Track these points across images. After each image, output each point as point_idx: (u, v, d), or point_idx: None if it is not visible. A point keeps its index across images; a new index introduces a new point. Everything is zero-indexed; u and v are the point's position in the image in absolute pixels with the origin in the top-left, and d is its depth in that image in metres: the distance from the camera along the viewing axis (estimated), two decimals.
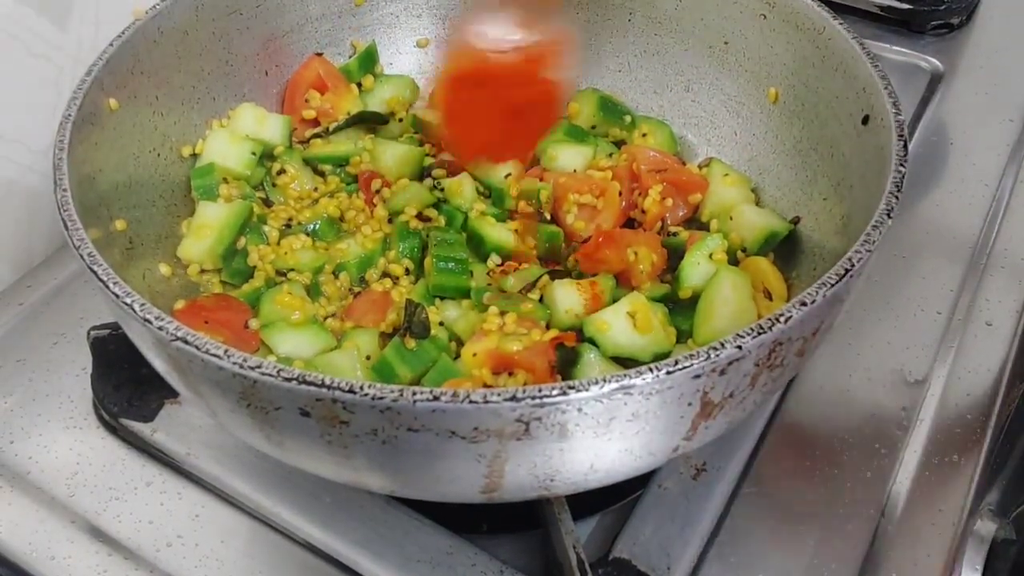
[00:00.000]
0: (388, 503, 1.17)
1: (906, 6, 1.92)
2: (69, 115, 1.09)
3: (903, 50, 1.87)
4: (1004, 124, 1.70)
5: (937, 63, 1.85)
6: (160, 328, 0.85)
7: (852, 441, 1.25)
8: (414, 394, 0.77)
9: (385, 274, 1.32)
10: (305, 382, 0.79)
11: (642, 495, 1.19)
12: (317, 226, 1.35)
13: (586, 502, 1.16)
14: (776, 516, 1.18)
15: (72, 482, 1.22)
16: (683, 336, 1.22)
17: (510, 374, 1.12)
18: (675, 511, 1.17)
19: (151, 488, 1.21)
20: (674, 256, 1.30)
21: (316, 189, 1.41)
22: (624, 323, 1.16)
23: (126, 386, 1.27)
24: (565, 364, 1.13)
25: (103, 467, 1.23)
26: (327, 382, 0.79)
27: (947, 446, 1.24)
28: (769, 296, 1.21)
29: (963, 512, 1.18)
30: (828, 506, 1.18)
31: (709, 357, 0.81)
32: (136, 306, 0.87)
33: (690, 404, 0.85)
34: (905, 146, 1.03)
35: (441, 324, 1.23)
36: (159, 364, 0.95)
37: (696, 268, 1.24)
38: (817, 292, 0.87)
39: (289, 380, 0.79)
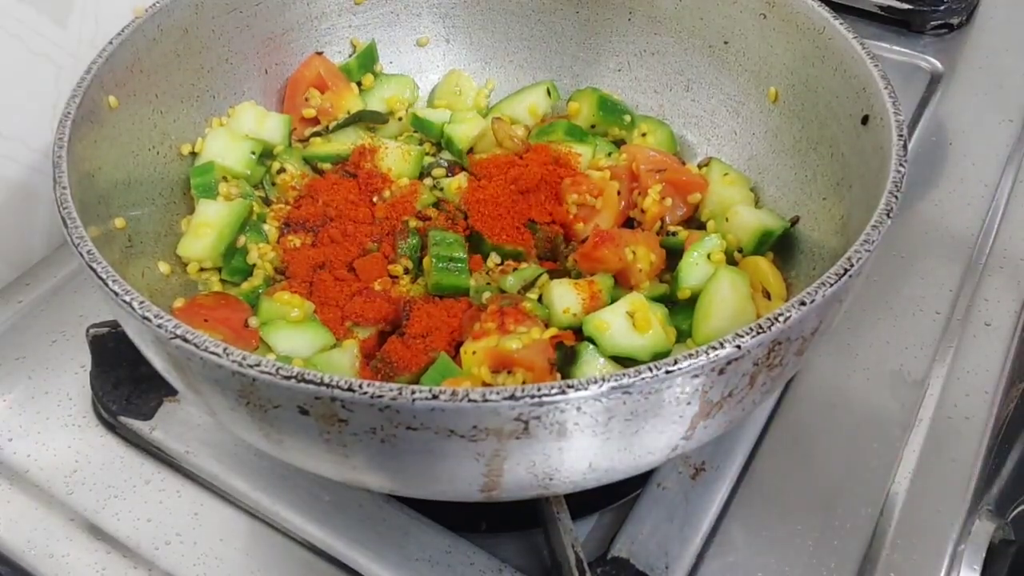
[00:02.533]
0: (387, 502, 1.17)
1: (906, 6, 1.92)
2: (69, 113, 1.09)
3: (903, 50, 1.88)
4: (1003, 124, 1.71)
5: (937, 63, 1.85)
6: (159, 326, 0.85)
7: (851, 441, 1.25)
8: (413, 393, 0.77)
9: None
10: (304, 380, 0.79)
11: (641, 494, 1.19)
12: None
13: (585, 501, 1.16)
14: (775, 516, 1.18)
15: (71, 480, 1.22)
16: (683, 336, 1.22)
17: (509, 372, 1.12)
18: (674, 510, 1.17)
19: (150, 486, 1.22)
20: (673, 256, 1.30)
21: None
22: (623, 322, 1.16)
23: (125, 384, 1.27)
24: (565, 362, 1.13)
25: (102, 465, 1.24)
26: (326, 380, 0.79)
27: (946, 446, 1.24)
28: (768, 296, 1.21)
29: (962, 512, 1.18)
30: (827, 506, 1.18)
31: (708, 357, 0.81)
32: (135, 304, 0.87)
33: (689, 403, 0.85)
34: (905, 146, 1.03)
35: None
36: (158, 362, 0.95)
37: (694, 268, 1.24)
38: (816, 292, 0.87)
39: (288, 378, 0.79)
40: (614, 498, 1.20)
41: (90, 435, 1.27)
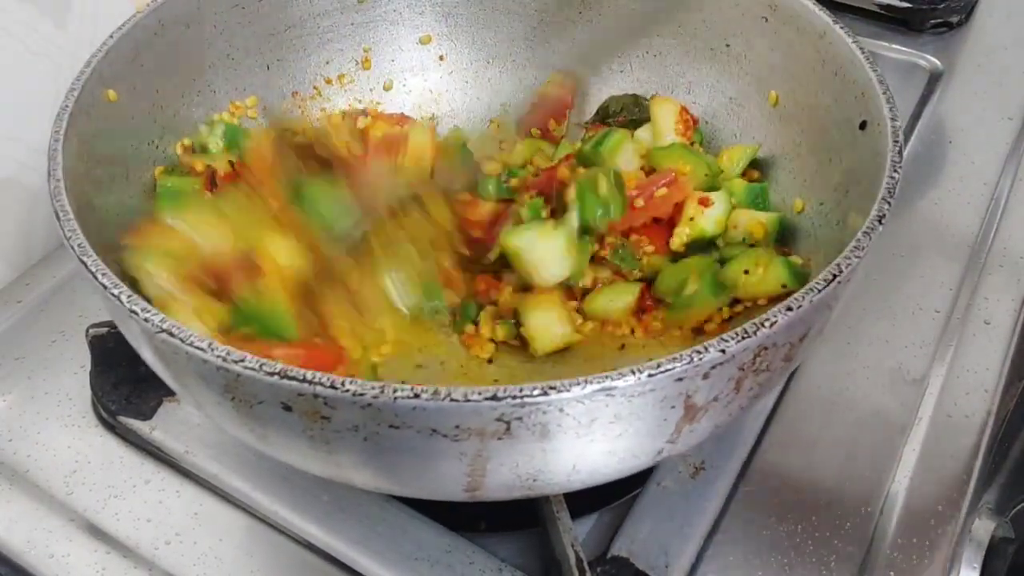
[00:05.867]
0: (386, 501, 1.18)
1: (905, 4, 1.92)
2: (67, 105, 1.09)
3: (902, 48, 1.88)
4: (1003, 123, 1.71)
5: (936, 62, 1.85)
6: (146, 320, 0.86)
7: (851, 439, 1.25)
8: (395, 391, 0.77)
9: None
10: (287, 377, 0.79)
11: (640, 493, 1.19)
12: None
13: (585, 500, 1.17)
14: (775, 515, 1.18)
15: (71, 480, 1.22)
16: None
17: None
18: (674, 509, 1.17)
19: (150, 486, 1.22)
20: None
21: None
22: None
23: (124, 384, 1.28)
24: None
25: (101, 465, 1.24)
26: (308, 377, 0.79)
27: (946, 445, 1.25)
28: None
29: (961, 511, 1.18)
30: (827, 505, 1.18)
31: (692, 360, 0.81)
32: (123, 297, 0.88)
33: (673, 407, 0.85)
34: (900, 152, 1.03)
35: None
36: (147, 356, 0.95)
37: None
38: (804, 297, 0.87)
39: (271, 374, 0.80)
40: (613, 497, 1.21)
41: (90, 435, 1.27)
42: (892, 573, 1.13)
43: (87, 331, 1.27)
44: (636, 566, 1.12)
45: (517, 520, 1.18)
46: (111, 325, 1.26)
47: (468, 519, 1.18)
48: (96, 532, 1.18)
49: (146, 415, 1.26)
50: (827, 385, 1.31)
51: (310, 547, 1.16)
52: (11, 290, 1.45)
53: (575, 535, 1.08)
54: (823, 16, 1.23)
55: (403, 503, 1.18)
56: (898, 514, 1.18)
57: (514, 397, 0.77)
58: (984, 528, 1.18)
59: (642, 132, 1.43)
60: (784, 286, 1.18)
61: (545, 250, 1.24)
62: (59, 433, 1.27)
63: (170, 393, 1.27)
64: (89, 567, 1.14)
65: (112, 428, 1.27)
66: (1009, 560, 1.19)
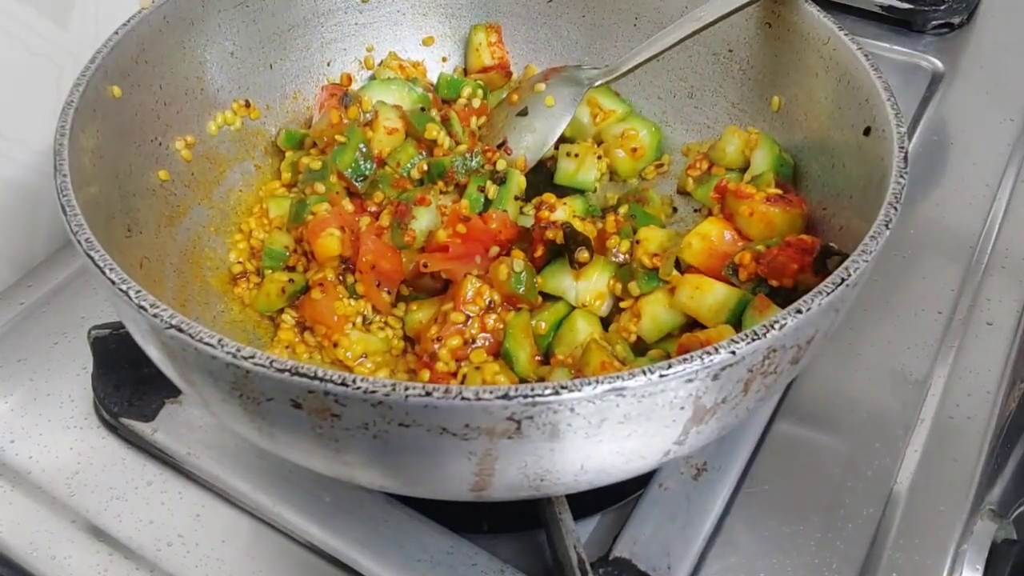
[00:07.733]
0: (388, 502, 1.17)
1: (907, 6, 1.93)
2: (72, 101, 1.09)
3: (904, 50, 1.88)
4: (1004, 124, 1.71)
5: (938, 63, 1.85)
6: (155, 316, 0.85)
7: (853, 441, 1.25)
8: (406, 389, 0.77)
9: None
10: (297, 374, 0.79)
11: (643, 495, 1.19)
12: None
13: (587, 501, 1.16)
14: (777, 516, 1.18)
15: (73, 481, 1.22)
16: None
17: None
18: (676, 511, 1.17)
19: (152, 487, 1.22)
20: None
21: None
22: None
23: (127, 386, 1.27)
24: None
25: (104, 467, 1.24)
26: (319, 374, 0.79)
27: (948, 446, 1.24)
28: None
29: (964, 512, 1.18)
30: (829, 506, 1.18)
31: (702, 361, 0.81)
32: (132, 293, 0.87)
33: (682, 408, 0.85)
34: (906, 158, 1.04)
35: None
36: (153, 352, 0.95)
37: None
38: (813, 300, 0.87)
39: (281, 371, 0.80)
40: (616, 498, 1.20)
41: (92, 437, 1.27)
42: (894, 574, 1.12)
43: (89, 332, 1.27)
44: (638, 567, 1.12)
45: (519, 521, 1.18)
46: (113, 327, 1.26)
47: (470, 520, 1.17)
48: (98, 534, 1.17)
49: (148, 417, 1.26)
50: (829, 386, 1.31)
51: (312, 548, 1.16)
52: (13, 292, 1.45)
53: (577, 536, 1.08)
54: (827, 22, 1.23)
55: (405, 504, 1.17)
56: (900, 515, 1.18)
57: (526, 396, 0.77)
58: (986, 530, 1.18)
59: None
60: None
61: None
62: (61, 435, 1.27)
63: (172, 395, 1.27)
64: (91, 569, 1.14)
65: (114, 430, 1.27)
66: (1012, 562, 1.19)
